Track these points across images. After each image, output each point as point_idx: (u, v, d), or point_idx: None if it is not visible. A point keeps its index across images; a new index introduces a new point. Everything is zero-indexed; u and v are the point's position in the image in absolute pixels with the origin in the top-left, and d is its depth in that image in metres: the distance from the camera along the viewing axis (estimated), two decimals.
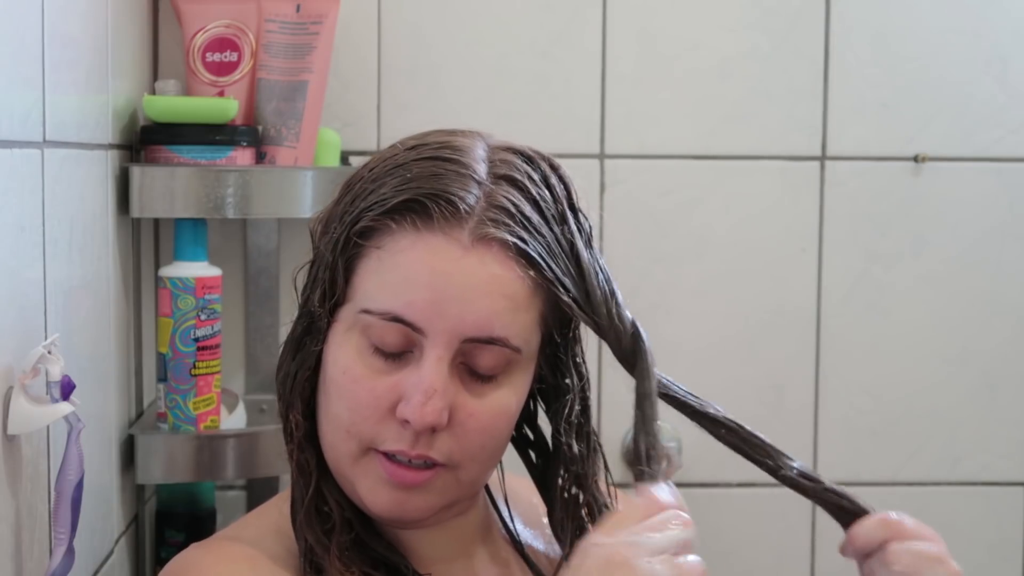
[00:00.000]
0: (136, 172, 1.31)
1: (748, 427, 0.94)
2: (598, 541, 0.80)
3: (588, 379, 0.97)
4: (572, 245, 0.91)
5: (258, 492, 1.52)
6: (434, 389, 0.87)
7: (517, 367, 0.91)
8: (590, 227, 0.95)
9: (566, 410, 0.95)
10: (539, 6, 1.57)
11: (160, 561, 1.42)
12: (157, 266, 1.46)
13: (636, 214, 1.59)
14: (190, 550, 0.95)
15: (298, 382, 0.93)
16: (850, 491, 0.93)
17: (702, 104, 1.60)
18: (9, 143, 0.88)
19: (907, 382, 1.64)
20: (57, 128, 1.01)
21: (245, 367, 1.56)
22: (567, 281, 0.90)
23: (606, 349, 0.92)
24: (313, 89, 1.42)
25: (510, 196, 0.89)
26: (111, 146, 1.26)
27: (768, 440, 0.94)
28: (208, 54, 1.42)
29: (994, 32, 1.62)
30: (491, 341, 0.88)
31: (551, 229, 0.91)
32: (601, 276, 0.92)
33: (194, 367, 1.32)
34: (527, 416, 1.00)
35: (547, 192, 0.92)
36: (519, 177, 0.91)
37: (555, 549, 0.98)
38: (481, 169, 0.90)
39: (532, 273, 0.88)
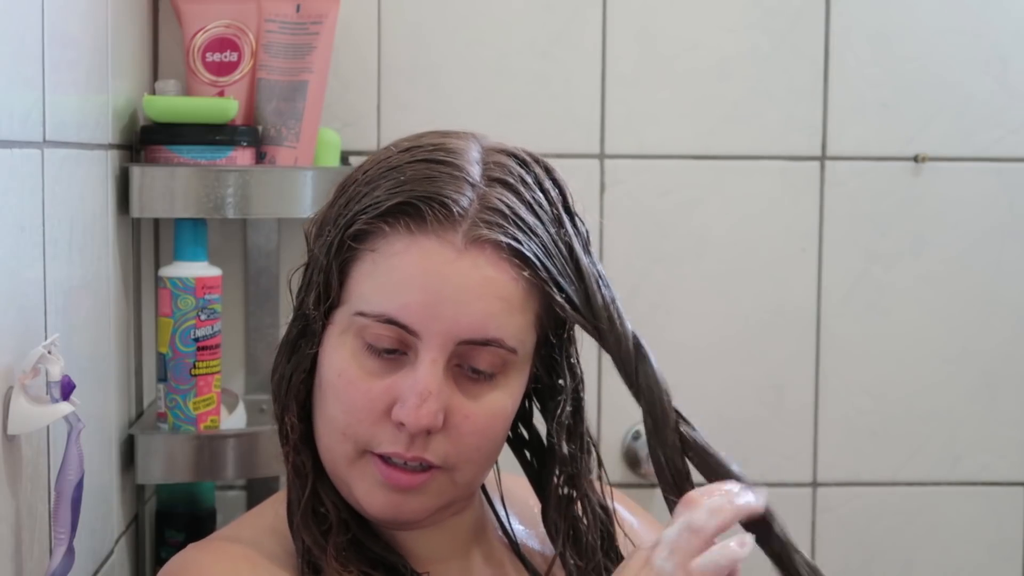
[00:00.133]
0: (136, 172, 1.31)
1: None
2: (645, 545, 0.83)
3: (582, 380, 0.97)
4: (570, 248, 0.91)
5: (258, 492, 1.52)
6: (429, 391, 0.87)
7: (512, 369, 0.91)
8: (587, 231, 0.95)
9: (558, 410, 0.95)
10: (539, 6, 1.57)
11: (160, 561, 1.42)
12: (157, 266, 1.46)
13: (636, 214, 1.59)
14: (188, 550, 0.95)
15: (293, 385, 0.93)
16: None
17: (702, 104, 1.60)
18: (9, 143, 0.88)
19: (907, 382, 1.64)
20: (57, 128, 1.01)
21: (245, 367, 1.56)
22: (563, 282, 0.90)
23: None
24: (313, 89, 1.42)
25: (504, 198, 0.89)
26: (111, 146, 1.26)
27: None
28: (208, 54, 1.42)
29: (994, 32, 1.62)
30: (486, 343, 0.88)
31: (547, 230, 0.91)
32: (601, 281, 0.92)
33: (194, 367, 1.32)
34: (523, 416, 1.00)
35: (542, 195, 0.92)
36: (513, 180, 0.91)
37: (551, 549, 0.98)
38: (475, 171, 0.90)
39: (527, 274, 0.88)
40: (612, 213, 1.58)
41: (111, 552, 1.25)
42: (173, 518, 1.44)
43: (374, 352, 0.89)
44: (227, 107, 1.35)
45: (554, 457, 0.96)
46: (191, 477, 1.35)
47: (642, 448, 1.57)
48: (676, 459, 0.89)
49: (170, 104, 1.35)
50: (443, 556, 0.97)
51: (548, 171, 0.95)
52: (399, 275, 0.88)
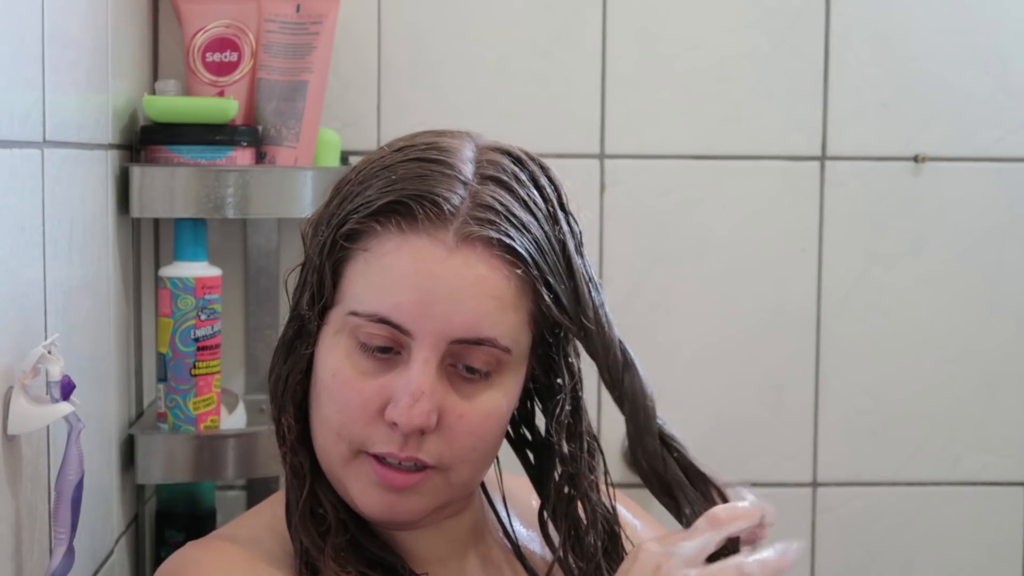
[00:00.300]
0: (136, 172, 1.31)
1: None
2: (650, 548, 0.83)
3: (580, 379, 0.97)
4: (563, 246, 0.91)
5: (258, 492, 1.52)
6: (421, 391, 0.87)
7: (508, 368, 0.91)
8: (580, 231, 0.94)
9: (557, 410, 0.95)
10: (539, 6, 1.57)
11: (160, 561, 1.41)
12: (157, 266, 1.46)
13: (636, 214, 1.59)
14: (186, 549, 0.95)
15: (289, 385, 0.93)
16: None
17: (702, 104, 1.60)
18: (9, 143, 0.88)
19: (907, 382, 1.64)
20: (57, 128, 1.01)
21: (245, 367, 1.56)
22: (553, 280, 0.90)
23: None
24: (313, 89, 1.42)
25: (496, 195, 0.89)
26: (111, 146, 1.26)
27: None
28: (208, 54, 1.42)
29: (994, 32, 1.62)
30: (479, 342, 0.88)
31: (541, 227, 0.90)
32: (592, 284, 0.92)
33: (194, 367, 1.32)
34: (524, 416, 1.00)
35: (536, 192, 0.92)
36: (506, 177, 0.91)
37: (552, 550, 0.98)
38: (467, 170, 0.90)
39: (519, 272, 0.88)
40: (612, 213, 1.58)
41: (111, 552, 1.25)
42: (173, 518, 1.44)
43: (368, 352, 0.89)
44: (227, 107, 1.35)
45: (554, 457, 0.96)
46: (191, 477, 1.35)
47: None
48: (659, 466, 0.89)
49: (170, 104, 1.35)
50: (442, 557, 0.97)
51: (543, 169, 0.94)
52: (391, 274, 0.88)
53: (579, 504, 0.96)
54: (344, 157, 1.52)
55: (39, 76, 0.95)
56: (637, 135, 1.59)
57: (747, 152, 1.60)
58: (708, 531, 0.83)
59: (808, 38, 1.60)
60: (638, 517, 1.09)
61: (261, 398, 1.53)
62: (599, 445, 0.98)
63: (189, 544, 0.95)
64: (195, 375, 1.32)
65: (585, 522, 0.96)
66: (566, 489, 0.96)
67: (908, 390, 1.64)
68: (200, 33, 1.42)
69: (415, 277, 0.87)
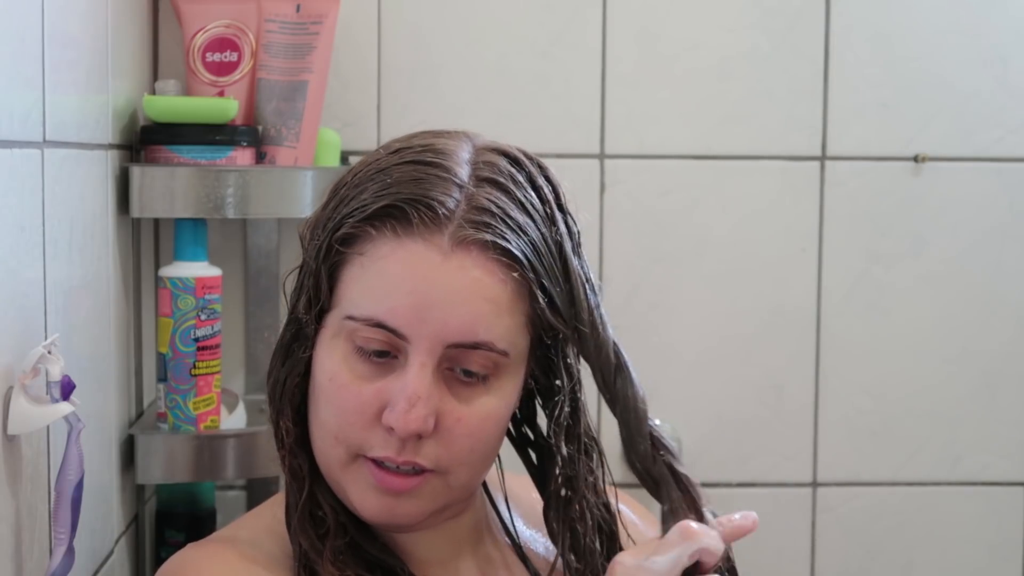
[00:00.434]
0: (136, 172, 1.31)
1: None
2: (623, 561, 0.84)
3: (579, 380, 0.96)
4: (560, 248, 0.91)
5: (258, 492, 1.52)
6: (418, 396, 0.87)
7: (505, 371, 0.91)
8: (579, 231, 0.94)
9: (556, 411, 0.95)
10: (539, 6, 1.57)
11: (160, 561, 1.42)
12: (157, 266, 1.46)
13: (636, 214, 1.59)
14: (186, 550, 0.95)
15: (288, 388, 0.93)
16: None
17: (702, 104, 1.60)
18: (9, 143, 0.88)
19: (907, 382, 1.64)
20: (57, 128, 1.01)
21: (245, 367, 1.56)
22: (548, 283, 0.90)
23: None
24: (313, 89, 1.42)
25: (492, 198, 0.89)
26: (111, 146, 1.26)
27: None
28: (208, 54, 1.42)
29: (994, 32, 1.62)
30: (475, 346, 0.88)
31: (538, 229, 0.90)
32: (588, 286, 0.92)
33: (194, 367, 1.32)
34: (526, 415, 1.00)
35: (533, 194, 0.92)
36: (503, 179, 0.90)
37: (554, 550, 0.98)
38: (463, 172, 0.90)
39: (515, 275, 0.88)
40: (612, 213, 1.58)
41: (111, 552, 1.25)
42: (173, 518, 1.44)
43: (365, 356, 0.89)
44: (227, 107, 1.35)
45: (553, 458, 0.96)
46: (191, 477, 1.35)
47: None
48: (650, 468, 0.90)
49: (170, 104, 1.35)
50: (442, 558, 0.97)
51: (541, 169, 0.94)
52: (386, 279, 0.88)
53: (578, 505, 0.95)
54: (344, 157, 1.52)
55: (39, 76, 0.95)
56: (637, 135, 1.59)
57: (747, 152, 1.60)
58: (680, 544, 0.84)
59: (808, 38, 1.60)
60: (639, 517, 1.09)
61: (261, 398, 1.52)
62: (599, 446, 0.98)
63: (189, 545, 0.95)
64: (195, 375, 1.32)
65: (585, 523, 0.96)
66: (565, 490, 0.95)
67: (908, 390, 1.64)
68: (200, 33, 1.42)
69: (410, 282, 0.87)
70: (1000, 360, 1.65)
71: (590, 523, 0.96)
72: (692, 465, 1.57)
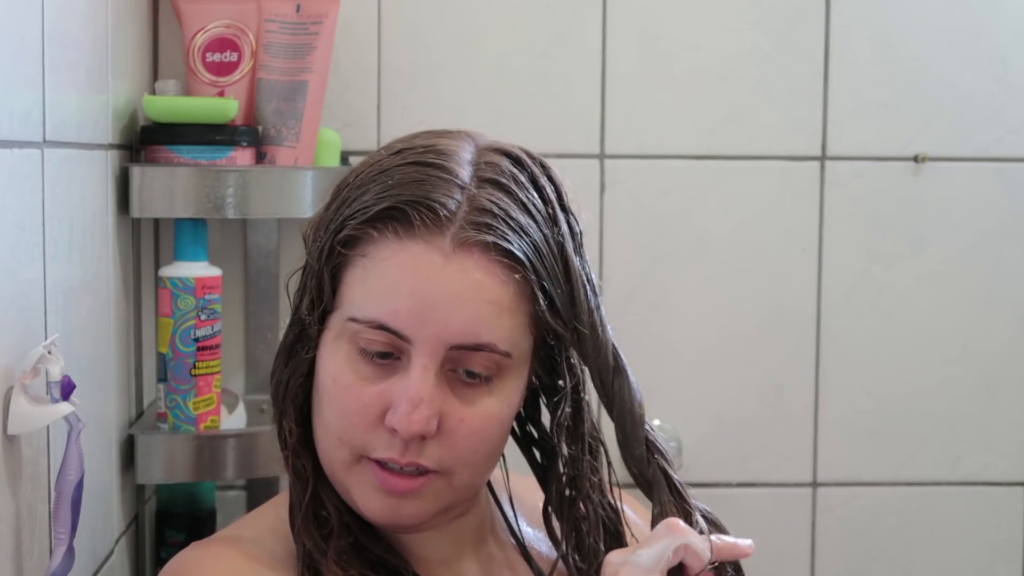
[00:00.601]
0: (136, 172, 1.31)
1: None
2: (611, 559, 0.84)
3: (582, 380, 0.96)
4: (562, 248, 0.91)
5: (258, 492, 1.52)
6: (420, 398, 0.87)
7: (508, 372, 0.91)
8: (581, 231, 0.94)
9: (558, 412, 0.95)
10: (539, 6, 1.57)
11: (160, 561, 1.42)
12: (157, 266, 1.46)
13: (636, 214, 1.59)
14: (190, 549, 0.95)
15: (291, 389, 0.93)
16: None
17: (702, 104, 1.60)
18: (9, 143, 0.88)
19: (907, 382, 1.64)
20: (57, 128, 1.01)
21: (245, 367, 1.56)
22: (549, 284, 0.90)
23: None
24: (313, 89, 1.42)
25: (494, 199, 0.89)
26: (111, 146, 1.26)
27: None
28: (208, 54, 1.42)
29: (994, 32, 1.62)
30: (478, 347, 0.88)
31: (540, 230, 0.90)
32: (589, 287, 0.92)
33: (194, 367, 1.32)
34: (531, 415, 1.00)
35: (535, 194, 0.91)
36: (505, 179, 0.90)
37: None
38: (465, 173, 0.90)
39: (517, 276, 0.88)
40: (612, 213, 1.58)
41: (111, 552, 1.25)
42: (173, 518, 1.44)
43: (368, 357, 0.89)
44: (227, 107, 1.35)
45: (556, 458, 0.96)
46: (191, 477, 1.35)
47: None
48: (645, 471, 0.90)
49: (170, 104, 1.35)
50: (447, 558, 0.97)
51: (543, 168, 0.94)
52: (388, 281, 0.87)
53: (581, 505, 0.95)
54: (344, 157, 1.52)
55: (39, 76, 0.95)
56: (637, 135, 1.59)
57: (747, 152, 1.60)
58: (665, 537, 0.84)
59: (808, 38, 1.60)
60: (642, 518, 1.08)
61: (261, 398, 1.53)
62: (604, 446, 0.97)
63: (193, 545, 0.95)
64: (195, 375, 1.32)
65: (589, 523, 0.96)
66: (568, 490, 0.96)
67: (908, 390, 1.64)
68: (200, 33, 1.42)
69: (412, 284, 0.87)
70: (1000, 360, 1.65)
71: (594, 523, 0.96)
72: (692, 465, 1.59)
